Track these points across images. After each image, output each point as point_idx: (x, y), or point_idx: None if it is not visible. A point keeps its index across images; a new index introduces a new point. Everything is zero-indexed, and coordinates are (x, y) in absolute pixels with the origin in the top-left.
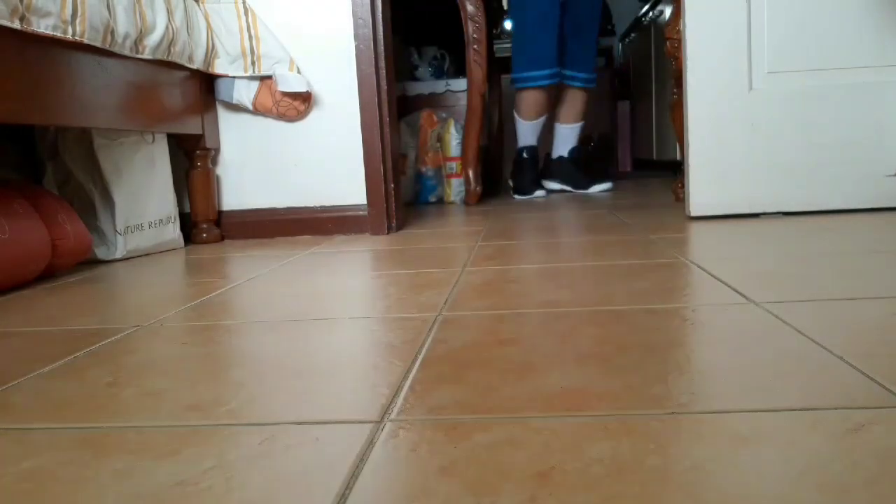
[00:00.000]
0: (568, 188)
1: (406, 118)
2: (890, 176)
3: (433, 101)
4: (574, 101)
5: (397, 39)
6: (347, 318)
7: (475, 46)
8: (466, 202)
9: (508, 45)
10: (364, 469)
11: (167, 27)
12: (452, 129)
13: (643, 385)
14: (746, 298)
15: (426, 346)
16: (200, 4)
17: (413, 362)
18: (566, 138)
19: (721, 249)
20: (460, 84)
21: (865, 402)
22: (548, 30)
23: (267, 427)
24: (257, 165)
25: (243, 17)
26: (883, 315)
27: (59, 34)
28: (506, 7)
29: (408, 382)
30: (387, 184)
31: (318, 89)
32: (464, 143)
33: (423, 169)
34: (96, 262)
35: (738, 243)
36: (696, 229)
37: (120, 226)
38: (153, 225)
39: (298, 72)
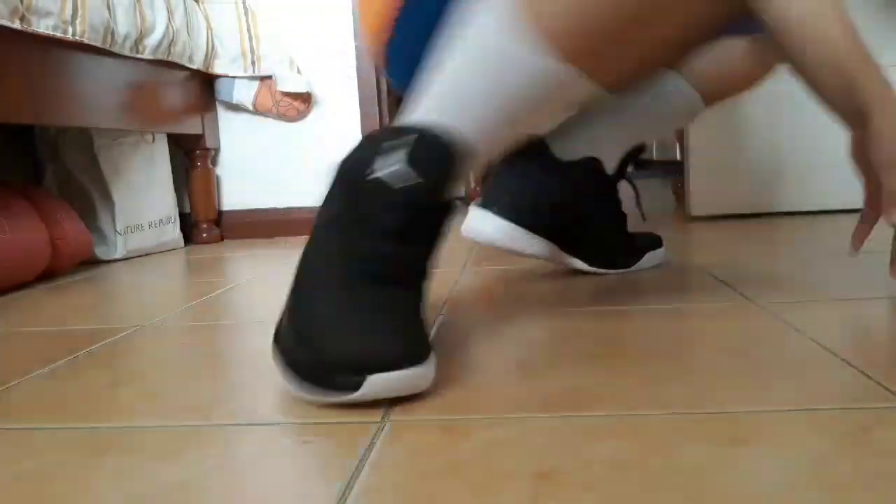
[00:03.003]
0: None
1: None
2: None
3: None
4: None
5: None
6: None
7: None
8: (467, 202)
9: None
10: (364, 469)
11: (167, 27)
12: None
13: (643, 385)
14: (747, 298)
15: None
16: (200, 4)
17: None
18: None
19: (721, 249)
20: None
21: (865, 402)
22: None
23: (267, 427)
24: (257, 165)
25: (243, 18)
26: (883, 315)
27: (59, 34)
28: None
29: None
30: None
31: (317, 89)
32: None
33: None
34: (96, 263)
35: (739, 243)
36: (696, 229)
37: (120, 226)
38: (153, 225)
39: (298, 72)
